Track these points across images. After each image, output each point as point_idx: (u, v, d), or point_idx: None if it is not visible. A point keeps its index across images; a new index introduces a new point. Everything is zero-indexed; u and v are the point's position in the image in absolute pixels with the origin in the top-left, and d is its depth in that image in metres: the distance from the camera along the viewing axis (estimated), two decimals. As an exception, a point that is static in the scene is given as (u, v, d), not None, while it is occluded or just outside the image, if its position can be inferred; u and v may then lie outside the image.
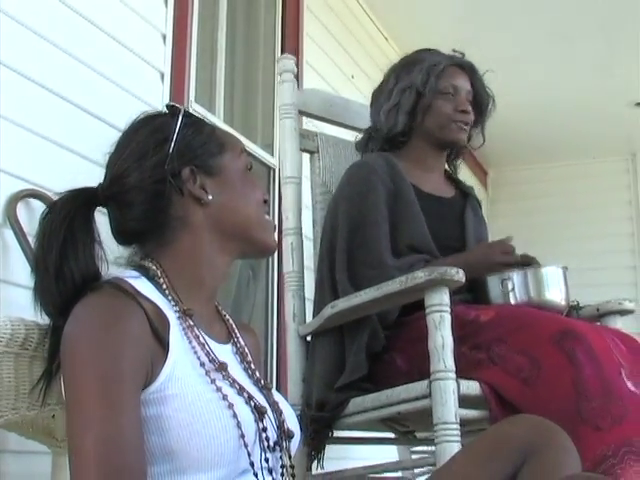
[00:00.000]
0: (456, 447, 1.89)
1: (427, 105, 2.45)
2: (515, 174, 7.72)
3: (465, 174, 7.09)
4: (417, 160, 2.49)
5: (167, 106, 1.53)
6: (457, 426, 1.92)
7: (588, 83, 6.02)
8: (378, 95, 2.56)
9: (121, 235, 1.48)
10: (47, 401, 1.48)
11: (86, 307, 1.30)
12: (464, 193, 2.61)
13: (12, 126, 2.39)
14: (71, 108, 2.62)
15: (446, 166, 2.64)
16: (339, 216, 2.35)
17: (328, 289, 2.33)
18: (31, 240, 2.23)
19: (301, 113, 2.65)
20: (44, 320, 1.42)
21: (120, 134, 1.49)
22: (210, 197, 1.45)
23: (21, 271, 2.26)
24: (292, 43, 4.21)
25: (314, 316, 2.38)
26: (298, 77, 4.11)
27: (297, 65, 4.09)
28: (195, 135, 1.48)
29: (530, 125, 6.74)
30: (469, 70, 2.52)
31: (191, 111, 1.55)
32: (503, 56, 5.64)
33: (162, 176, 1.42)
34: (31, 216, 2.36)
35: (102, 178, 1.47)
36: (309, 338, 2.43)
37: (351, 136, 2.70)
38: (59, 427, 1.81)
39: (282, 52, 4.19)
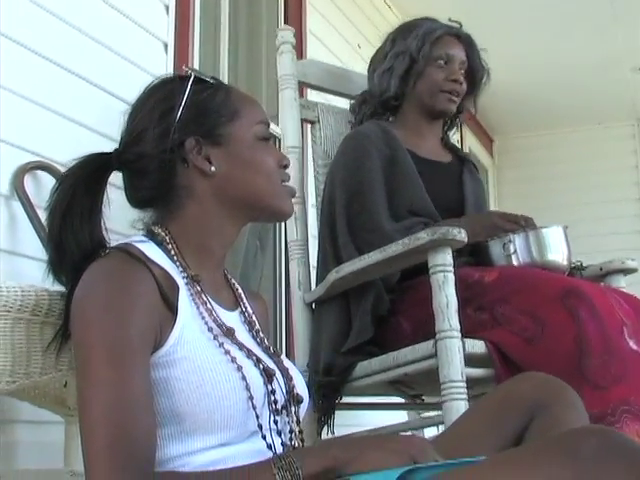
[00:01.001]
0: (463, 405, 1.90)
1: (419, 71, 2.47)
2: (521, 141, 7.70)
3: (471, 141, 7.09)
4: (411, 127, 2.52)
5: (184, 71, 1.50)
6: (464, 384, 1.93)
7: (592, 49, 5.98)
8: (375, 59, 2.59)
9: (133, 200, 1.48)
10: (59, 366, 1.50)
11: (95, 272, 1.31)
12: (461, 159, 2.62)
13: (17, 98, 2.39)
14: (75, 80, 2.62)
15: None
16: (336, 185, 2.37)
17: (331, 256, 2.35)
18: (39, 212, 2.25)
19: (301, 84, 2.65)
20: (55, 286, 1.43)
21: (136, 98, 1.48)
22: (213, 168, 1.43)
23: (28, 242, 2.27)
24: (295, 12, 4.19)
25: (318, 285, 2.40)
26: (302, 47, 4.12)
27: (301, 35, 4.09)
28: (207, 102, 1.45)
29: (535, 92, 6.71)
30: (465, 41, 2.53)
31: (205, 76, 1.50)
32: (505, 23, 5.61)
33: (167, 146, 1.41)
34: (38, 188, 2.37)
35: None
36: (315, 306, 2.44)
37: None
38: (71, 395, 1.81)
39: (285, 22, 4.17)
